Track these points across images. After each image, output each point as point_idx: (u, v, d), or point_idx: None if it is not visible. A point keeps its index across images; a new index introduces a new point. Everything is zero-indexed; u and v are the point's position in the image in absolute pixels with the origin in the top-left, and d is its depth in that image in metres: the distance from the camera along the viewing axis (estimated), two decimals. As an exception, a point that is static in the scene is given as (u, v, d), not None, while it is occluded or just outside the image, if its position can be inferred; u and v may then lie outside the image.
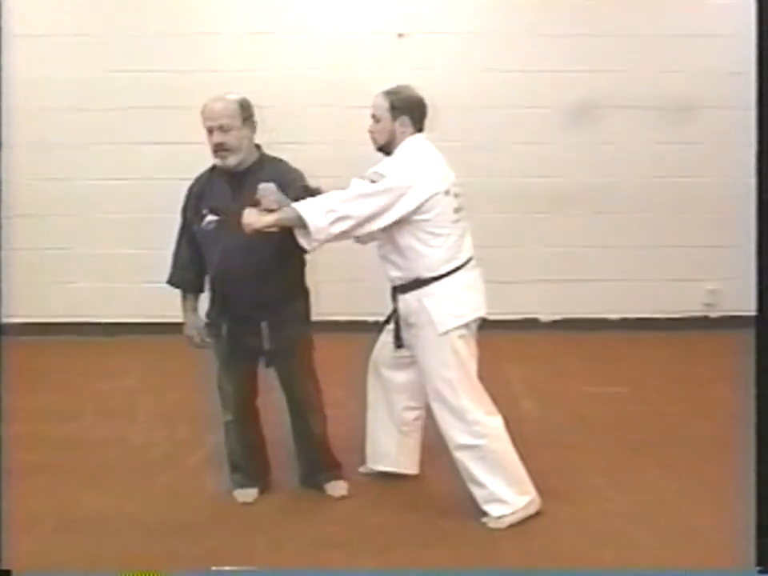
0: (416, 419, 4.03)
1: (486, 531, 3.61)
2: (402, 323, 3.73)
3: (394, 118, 3.64)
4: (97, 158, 6.55)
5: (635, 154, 6.70)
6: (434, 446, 3.92)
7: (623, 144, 6.70)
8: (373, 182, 3.47)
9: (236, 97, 3.64)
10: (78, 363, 6.00)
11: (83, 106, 6.48)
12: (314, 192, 3.53)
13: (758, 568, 2.73)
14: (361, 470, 4.14)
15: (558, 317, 6.80)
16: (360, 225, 3.45)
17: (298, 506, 3.86)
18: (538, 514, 3.70)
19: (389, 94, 3.67)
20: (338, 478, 3.97)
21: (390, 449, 4.03)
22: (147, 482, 4.12)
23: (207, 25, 6.53)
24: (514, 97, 6.60)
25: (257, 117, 3.70)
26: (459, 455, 3.67)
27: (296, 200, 3.43)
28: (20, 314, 6.32)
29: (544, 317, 6.80)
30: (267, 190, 3.41)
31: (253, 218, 3.40)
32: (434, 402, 3.69)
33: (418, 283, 3.61)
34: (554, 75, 6.58)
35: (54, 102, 6.47)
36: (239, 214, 3.44)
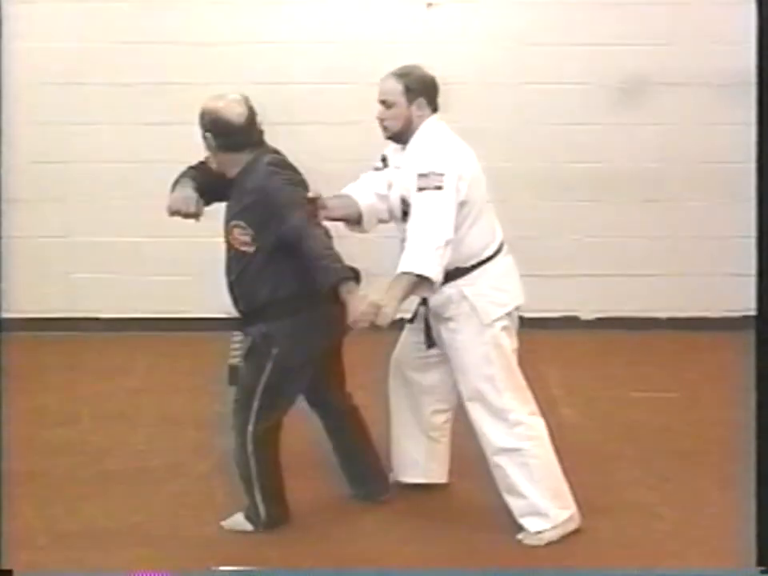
0: (445, 422, 4.02)
1: (522, 549, 3.59)
2: (433, 319, 3.71)
3: (410, 101, 3.63)
4: (97, 138, 6.55)
5: (687, 136, 6.63)
6: (463, 453, 3.93)
7: (673, 125, 6.63)
8: (439, 187, 3.44)
9: (201, 109, 3.63)
10: (76, 361, 6.01)
11: (82, 80, 6.48)
12: (313, 201, 3.52)
13: (759, 568, 2.82)
14: (385, 480, 4.14)
15: (600, 315, 6.75)
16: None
17: (318, 519, 3.85)
18: (577, 531, 3.67)
19: (400, 76, 3.66)
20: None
21: (419, 458, 4.01)
22: (151, 491, 4.12)
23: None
24: (554, 72, 6.56)
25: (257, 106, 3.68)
26: (498, 460, 3.65)
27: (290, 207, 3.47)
28: (14, 308, 6.35)
29: (585, 314, 6.75)
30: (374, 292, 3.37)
31: (385, 314, 3.32)
32: (471, 403, 3.66)
33: (458, 272, 3.60)
34: (597, 48, 6.52)
35: (49, 76, 6.47)
36: (228, 224, 3.63)
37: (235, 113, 3.59)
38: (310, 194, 3.52)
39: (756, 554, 2.89)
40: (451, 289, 3.61)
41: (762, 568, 2.85)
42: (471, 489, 4.06)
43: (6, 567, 3.13)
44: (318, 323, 3.63)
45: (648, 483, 4.15)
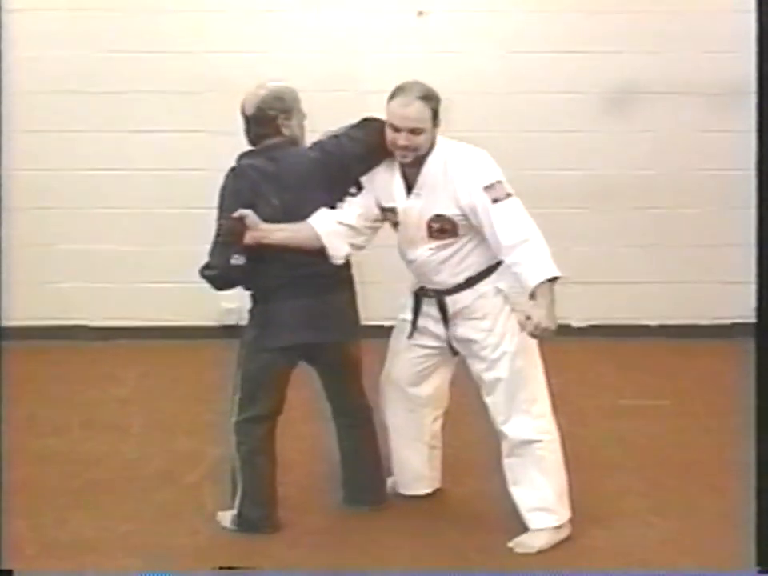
0: (440, 427, 4.06)
1: (513, 557, 3.58)
2: (453, 326, 3.72)
3: (436, 125, 3.58)
4: (87, 147, 6.53)
5: (679, 144, 6.65)
6: (455, 459, 4.00)
7: (666, 133, 6.64)
8: (509, 194, 3.51)
9: None
10: (65, 370, 5.99)
11: (73, 89, 6.48)
12: (236, 219, 3.55)
13: (758, 568, 2.86)
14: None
15: (591, 322, 6.75)
16: None
17: (309, 528, 3.84)
18: (568, 539, 3.67)
19: (426, 99, 3.54)
20: None
21: (424, 470, 4.04)
22: (141, 500, 4.10)
23: (212, 2, 6.52)
24: (545, 81, 6.56)
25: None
26: (518, 451, 3.66)
27: None
28: (2, 316, 6.31)
29: (576, 322, 6.75)
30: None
31: (554, 321, 3.49)
32: (499, 396, 3.67)
33: (490, 269, 3.67)
34: (589, 57, 6.53)
35: (40, 85, 6.46)
36: None
37: (247, 103, 3.66)
38: (235, 214, 3.50)
39: (755, 554, 2.89)
40: (485, 286, 3.66)
41: (761, 568, 2.85)
42: (463, 495, 4.08)
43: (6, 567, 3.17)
44: (288, 315, 3.64)
45: (639, 491, 4.15)
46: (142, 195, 6.56)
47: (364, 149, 3.65)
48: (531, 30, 6.55)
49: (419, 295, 3.81)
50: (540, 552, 3.59)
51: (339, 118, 6.50)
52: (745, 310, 6.82)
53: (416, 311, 3.82)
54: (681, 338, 6.57)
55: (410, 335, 3.85)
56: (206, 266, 3.60)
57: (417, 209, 3.62)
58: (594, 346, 6.44)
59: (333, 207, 3.68)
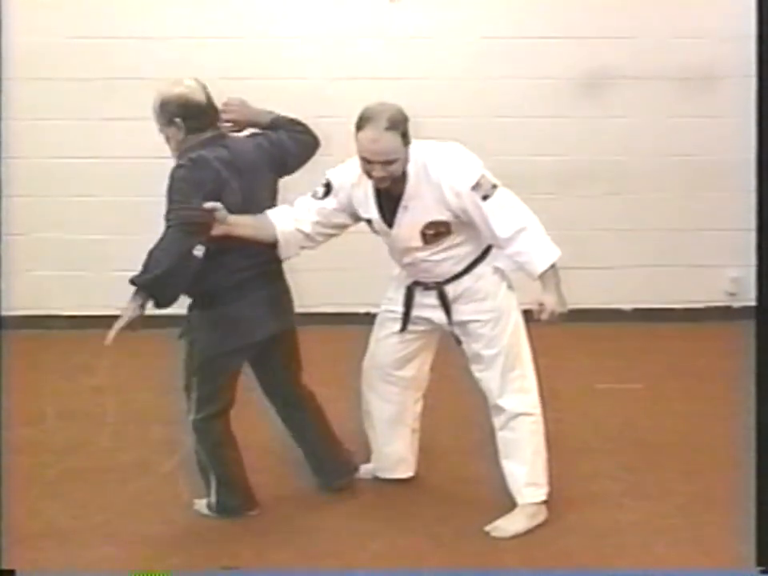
0: (421, 409, 4.09)
1: (488, 541, 3.61)
2: (454, 311, 3.74)
3: (406, 145, 3.50)
4: (60, 134, 6.49)
5: (650, 129, 6.67)
6: (429, 446, 3.99)
7: (637, 118, 6.66)
8: (494, 186, 3.52)
9: (163, 97, 3.59)
10: (39, 359, 5.95)
11: (43, 75, 6.42)
12: (206, 211, 3.48)
13: (759, 568, 2.88)
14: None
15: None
16: None
17: (285, 514, 3.85)
18: (542, 522, 3.70)
19: (394, 128, 3.42)
20: None
21: (406, 454, 4.07)
22: (116, 490, 4.10)
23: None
24: (517, 67, 6.56)
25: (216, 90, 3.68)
26: (512, 424, 3.72)
27: None
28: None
29: (550, 307, 6.76)
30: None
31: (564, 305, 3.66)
32: (496, 371, 3.72)
33: (487, 250, 3.72)
34: (561, 43, 6.53)
35: (11, 72, 6.40)
36: None
37: (203, 94, 3.61)
38: (206, 205, 3.43)
39: (756, 554, 2.93)
40: (483, 268, 3.71)
41: (762, 568, 2.89)
42: (437, 482, 4.09)
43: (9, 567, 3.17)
44: (237, 317, 3.65)
45: (612, 474, 4.18)
46: (116, 183, 6.52)
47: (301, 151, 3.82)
48: (503, 16, 6.53)
49: (412, 288, 3.81)
50: (514, 537, 3.62)
51: (307, 105, 6.51)
52: (717, 293, 6.91)
53: (408, 304, 3.82)
54: (654, 322, 6.61)
55: (403, 328, 3.85)
56: (147, 268, 3.56)
57: (407, 221, 3.60)
58: (568, 331, 6.42)
59: (275, 191, 3.76)
